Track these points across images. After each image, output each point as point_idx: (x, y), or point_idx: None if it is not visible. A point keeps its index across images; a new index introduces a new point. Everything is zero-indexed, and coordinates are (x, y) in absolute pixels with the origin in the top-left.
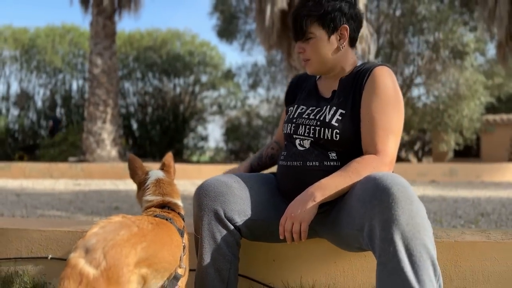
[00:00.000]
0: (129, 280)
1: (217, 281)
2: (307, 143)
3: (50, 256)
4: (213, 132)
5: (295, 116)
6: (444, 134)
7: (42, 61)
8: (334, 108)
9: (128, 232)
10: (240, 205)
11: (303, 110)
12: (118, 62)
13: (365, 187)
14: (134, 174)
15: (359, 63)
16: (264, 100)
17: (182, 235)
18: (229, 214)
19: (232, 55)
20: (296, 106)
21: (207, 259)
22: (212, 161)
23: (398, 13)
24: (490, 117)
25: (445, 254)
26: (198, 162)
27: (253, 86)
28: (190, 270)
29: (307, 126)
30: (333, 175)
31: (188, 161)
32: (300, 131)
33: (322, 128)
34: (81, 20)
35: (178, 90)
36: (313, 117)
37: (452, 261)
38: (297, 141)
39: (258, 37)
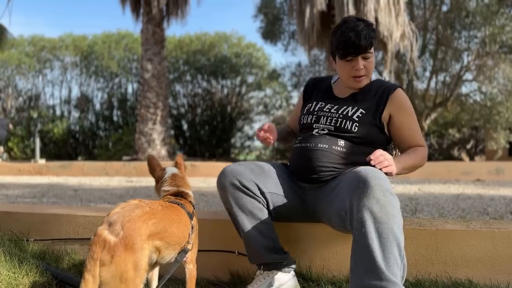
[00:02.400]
0: (142, 247)
1: (255, 231)
2: (323, 132)
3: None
4: None
5: (316, 109)
6: (493, 131)
7: (100, 66)
8: (356, 107)
9: (141, 211)
10: (251, 176)
11: (322, 106)
12: (169, 65)
13: (352, 177)
14: (153, 170)
15: (373, 77)
16: None
17: (191, 218)
18: (244, 183)
19: (276, 56)
20: (315, 102)
21: (242, 219)
22: (258, 159)
23: (444, 8)
24: None
25: (427, 240)
26: (245, 160)
27: (297, 86)
28: (199, 250)
29: (329, 118)
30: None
31: (234, 159)
32: (322, 121)
33: (344, 120)
34: (133, 27)
35: (225, 91)
36: (335, 111)
37: (434, 247)
38: (316, 130)
39: (299, 37)
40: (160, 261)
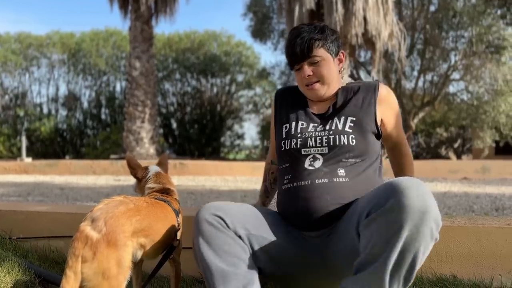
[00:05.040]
0: (125, 244)
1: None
2: (318, 163)
3: None
4: (249, 130)
5: (298, 131)
6: (480, 131)
7: (88, 64)
8: (343, 117)
9: (125, 208)
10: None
11: (304, 126)
12: (158, 64)
13: (397, 186)
14: (135, 171)
15: (347, 80)
16: None
17: (177, 215)
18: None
19: (266, 55)
20: (294, 123)
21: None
22: (248, 158)
23: (432, 8)
24: None
25: None
26: (234, 159)
27: (286, 85)
28: (184, 248)
29: (318, 138)
30: None
31: (224, 158)
32: (311, 143)
33: (337, 136)
34: (121, 25)
35: (215, 90)
36: (321, 129)
37: None
38: (307, 161)
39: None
40: (145, 258)
